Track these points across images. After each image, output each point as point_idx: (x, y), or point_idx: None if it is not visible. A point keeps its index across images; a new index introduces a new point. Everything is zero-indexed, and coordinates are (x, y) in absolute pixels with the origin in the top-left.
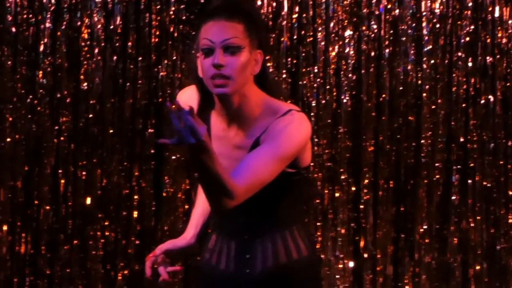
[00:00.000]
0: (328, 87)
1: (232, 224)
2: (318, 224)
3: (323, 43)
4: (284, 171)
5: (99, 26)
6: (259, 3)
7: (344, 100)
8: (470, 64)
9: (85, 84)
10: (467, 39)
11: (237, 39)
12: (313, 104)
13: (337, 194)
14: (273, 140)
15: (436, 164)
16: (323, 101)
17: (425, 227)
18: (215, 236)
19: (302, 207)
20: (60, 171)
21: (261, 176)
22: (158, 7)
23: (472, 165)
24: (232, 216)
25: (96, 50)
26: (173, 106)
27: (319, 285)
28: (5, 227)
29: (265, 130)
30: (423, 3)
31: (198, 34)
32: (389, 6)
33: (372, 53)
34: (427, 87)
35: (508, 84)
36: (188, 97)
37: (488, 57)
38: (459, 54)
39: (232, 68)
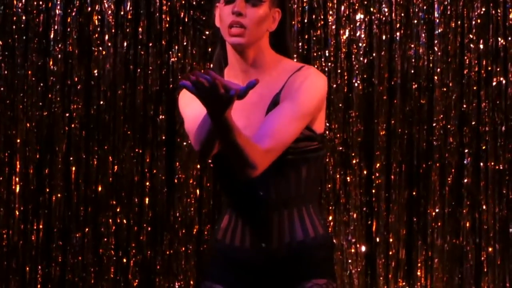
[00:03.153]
0: (339, 71)
1: (249, 200)
2: (330, 208)
3: (334, 26)
4: (301, 137)
5: (110, 12)
6: None
7: (356, 84)
8: (481, 46)
9: (96, 71)
10: (479, 21)
11: None
12: None
13: (349, 178)
14: (292, 98)
15: (448, 147)
16: (334, 85)
17: (437, 210)
18: (228, 215)
19: (318, 186)
20: (71, 158)
21: (284, 138)
22: None
23: (484, 147)
24: (249, 192)
25: (107, 37)
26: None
27: (332, 265)
28: (17, 215)
29: (282, 86)
30: None
31: None
32: None
33: (384, 37)
34: (438, 70)
35: None
36: (189, 97)
37: (500, 39)
38: (471, 36)
39: (250, 19)
